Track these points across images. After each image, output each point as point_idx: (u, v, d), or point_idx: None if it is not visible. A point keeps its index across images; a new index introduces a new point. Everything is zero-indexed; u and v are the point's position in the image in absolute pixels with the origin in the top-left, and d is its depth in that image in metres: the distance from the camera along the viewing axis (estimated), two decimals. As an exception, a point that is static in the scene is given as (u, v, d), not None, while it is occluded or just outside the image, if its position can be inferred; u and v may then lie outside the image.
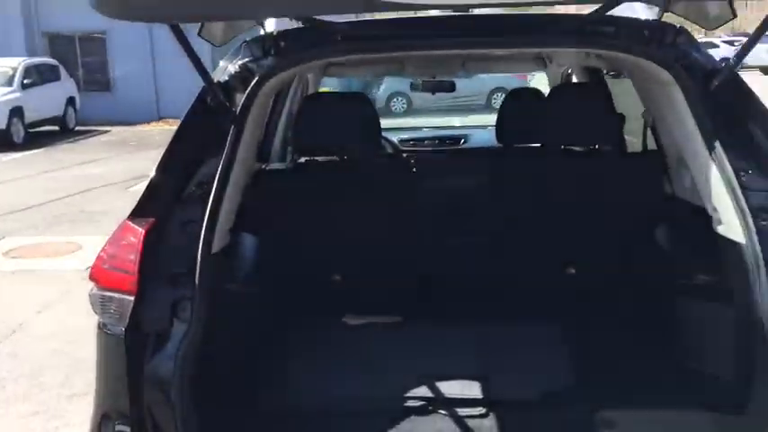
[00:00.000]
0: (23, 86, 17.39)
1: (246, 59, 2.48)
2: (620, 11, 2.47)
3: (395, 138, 5.47)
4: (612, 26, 2.38)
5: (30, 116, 17.32)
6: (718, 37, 50.73)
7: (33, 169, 13.23)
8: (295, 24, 2.58)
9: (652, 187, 3.10)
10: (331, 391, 2.50)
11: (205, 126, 2.38)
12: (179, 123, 2.40)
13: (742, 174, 2.18)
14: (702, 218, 2.46)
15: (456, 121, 7.21)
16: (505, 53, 3.66)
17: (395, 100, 20.16)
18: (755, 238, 2.06)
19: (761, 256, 2.04)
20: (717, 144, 2.23)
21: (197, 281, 2.10)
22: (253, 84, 2.39)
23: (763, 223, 2.09)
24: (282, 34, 2.48)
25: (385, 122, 5.99)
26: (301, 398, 2.45)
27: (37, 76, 18.22)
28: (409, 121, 6.98)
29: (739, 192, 2.14)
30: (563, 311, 3.12)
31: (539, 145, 3.46)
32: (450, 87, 5.25)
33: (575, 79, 4.67)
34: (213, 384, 2.24)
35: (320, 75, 4.77)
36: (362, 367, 2.64)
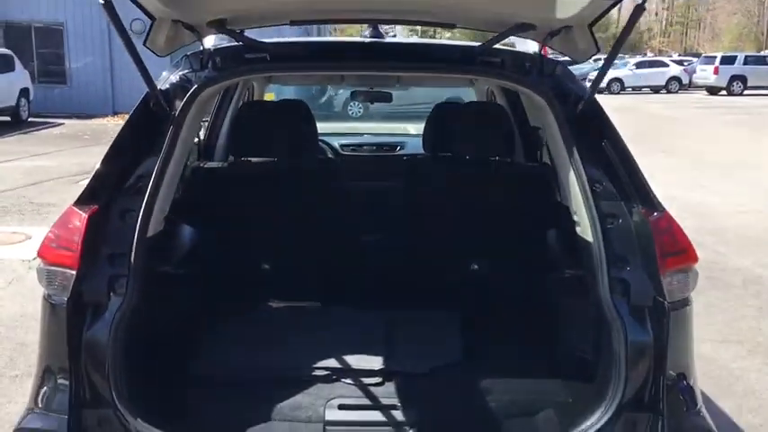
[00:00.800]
0: (-24, 76, 17.26)
1: (186, 71, 2.84)
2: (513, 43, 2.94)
3: (336, 142, 5.88)
4: (499, 57, 2.82)
5: (-18, 106, 17.20)
6: (669, 56, 52.64)
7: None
8: (230, 42, 2.96)
9: (543, 194, 3.56)
10: (248, 361, 2.88)
11: (147, 126, 2.72)
12: (125, 121, 2.75)
13: (596, 185, 2.63)
14: (572, 222, 2.93)
15: (401, 127, 7.63)
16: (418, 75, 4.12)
17: (351, 104, 20.64)
18: (601, 239, 2.52)
19: (604, 254, 2.50)
20: (578, 159, 2.67)
21: (132, 261, 2.46)
22: (190, 92, 2.75)
23: (609, 227, 2.54)
24: (218, 51, 2.85)
25: (334, 126, 6.44)
26: (222, 367, 2.82)
27: (-11, 66, 18.10)
28: (355, 126, 7.35)
29: (592, 200, 2.58)
30: (464, 301, 3.55)
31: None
32: (388, 98, 5.67)
33: (497, 96, 5.15)
34: (143, 350, 2.59)
35: (264, 83, 5.15)
36: (280, 343, 3.02)
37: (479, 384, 2.78)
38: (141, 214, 2.52)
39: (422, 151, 5.43)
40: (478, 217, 3.60)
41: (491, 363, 2.94)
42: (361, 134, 6.80)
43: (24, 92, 19.39)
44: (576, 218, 2.74)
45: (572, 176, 2.72)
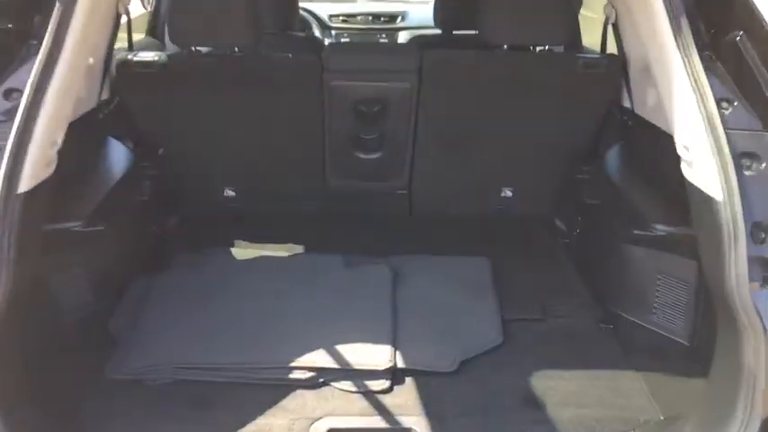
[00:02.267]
0: None
1: None
2: None
3: (324, 12, 4.76)
4: None
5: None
6: None
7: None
8: None
9: (607, 100, 2.60)
10: (192, 355, 2.01)
11: (16, 4, 1.73)
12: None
13: (725, 105, 1.68)
14: (667, 147, 1.99)
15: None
16: None
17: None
18: (737, 195, 1.59)
19: (740, 220, 1.57)
20: (695, 58, 1.71)
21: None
22: None
23: (748, 174, 1.61)
24: None
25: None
26: (152, 365, 1.96)
27: None
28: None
29: (720, 129, 1.64)
30: (495, 244, 2.69)
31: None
32: None
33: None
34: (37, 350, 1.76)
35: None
36: (243, 324, 2.15)
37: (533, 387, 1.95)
38: (9, 153, 1.58)
39: (426, 23, 4.34)
40: (520, 126, 2.65)
41: (542, 351, 2.11)
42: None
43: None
44: (686, 153, 1.79)
45: (679, 85, 1.75)
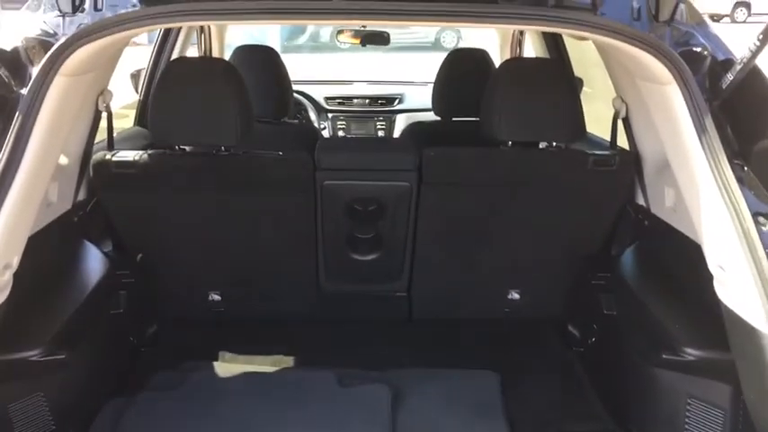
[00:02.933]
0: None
1: (49, 15, 1.68)
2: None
3: (320, 94, 4.66)
4: None
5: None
6: None
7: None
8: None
9: (620, 198, 2.42)
10: None
11: None
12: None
13: (762, 221, 1.50)
14: (691, 254, 1.81)
15: (406, 62, 6.26)
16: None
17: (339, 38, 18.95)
18: None
19: None
20: (724, 165, 1.54)
21: None
22: (51, 53, 1.58)
23: None
24: None
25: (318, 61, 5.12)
26: None
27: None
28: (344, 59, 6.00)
29: (761, 251, 1.45)
30: (503, 353, 2.47)
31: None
32: (385, 40, 4.44)
33: (527, 39, 3.92)
34: None
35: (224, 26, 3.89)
36: None
37: None
38: None
39: (428, 105, 4.25)
40: (521, 229, 2.47)
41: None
42: (350, 82, 5.54)
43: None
44: (720, 273, 1.60)
45: (709, 196, 1.58)
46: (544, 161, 2.39)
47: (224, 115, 2.22)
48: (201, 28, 3.75)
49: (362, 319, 2.67)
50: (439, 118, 3.20)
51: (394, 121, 4.62)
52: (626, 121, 2.36)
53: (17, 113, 1.57)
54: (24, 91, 1.60)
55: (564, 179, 2.39)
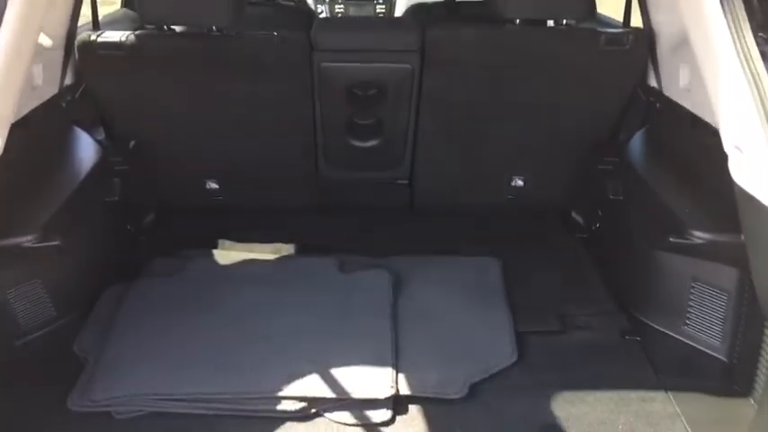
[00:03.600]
0: None
1: None
2: None
3: None
4: None
5: None
6: None
7: None
8: None
9: (632, 80, 2.31)
10: (158, 382, 1.77)
11: None
12: None
13: None
14: (705, 138, 1.74)
15: None
16: None
17: None
18: None
19: None
20: (748, 40, 1.44)
21: None
22: None
23: None
24: None
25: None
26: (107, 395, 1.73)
27: None
28: None
29: None
30: (506, 240, 2.44)
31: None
32: None
33: None
34: None
35: None
36: (218, 339, 1.91)
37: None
38: None
39: None
40: (527, 113, 2.37)
41: (562, 371, 1.87)
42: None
43: None
44: (736, 153, 1.53)
45: (729, 69, 1.48)
46: (553, 40, 2.26)
47: None
48: None
49: (363, 206, 2.63)
50: None
51: (394, 3, 4.41)
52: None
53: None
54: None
55: (573, 59, 2.27)
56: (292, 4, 3.74)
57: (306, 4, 4.11)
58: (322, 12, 4.26)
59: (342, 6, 4.46)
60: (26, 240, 1.76)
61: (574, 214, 2.56)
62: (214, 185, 2.53)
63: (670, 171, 2.08)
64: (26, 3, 1.52)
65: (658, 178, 2.07)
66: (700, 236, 1.79)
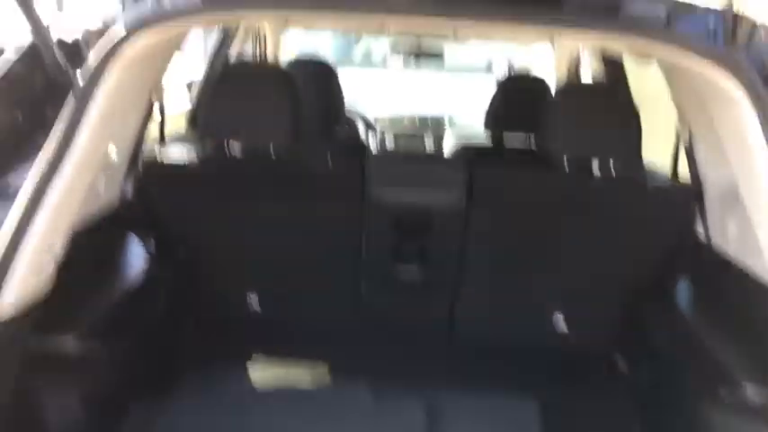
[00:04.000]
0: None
1: (111, 2, 1.68)
2: None
3: (369, 111, 4.66)
4: (661, 7, 1.56)
5: None
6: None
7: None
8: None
9: (678, 230, 2.31)
10: None
11: (29, 96, 1.58)
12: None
13: None
14: (760, 295, 1.70)
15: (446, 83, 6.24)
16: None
17: (394, 55, 18.93)
18: None
19: None
20: None
21: None
22: (109, 40, 1.58)
23: None
24: None
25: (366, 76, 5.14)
26: None
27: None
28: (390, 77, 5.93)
29: None
30: (545, 382, 2.37)
31: (532, 148, 2.71)
32: (439, 58, 4.43)
33: (585, 60, 3.84)
34: None
35: (280, 24, 3.90)
36: None
37: None
38: None
39: (475, 128, 4.19)
40: (572, 254, 2.37)
41: None
42: (399, 101, 5.51)
43: None
44: None
45: None
46: (600, 187, 2.30)
47: (277, 117, 2.20)
48: (257, 37, 3.77)
49: (402, 333, 2.60)
50: (490, 141, 3.15)
51: (443, 141, 4.59)
52: (688, 150, 2.27)
53: (72, 99, 1.56)
54: (80, 77, 1.59)
55: (620, 206, 2.30)
56: (345, 136, 3.92)
57: (357, 131, 4.31)
58: (372, 145, 4.45)
59: (392, 144, 4.66)
60: (67, 345, 1.78)
61: (618, 359, 2.49)
62: (255, 299, 2.55)
63: (719, 323, 2.03)
64: (104, 116, 1.63)
65: (707, 330, 2.01)
66: (752, 392, 1.71)
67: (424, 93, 6.10)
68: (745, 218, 1.77)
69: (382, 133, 4.59)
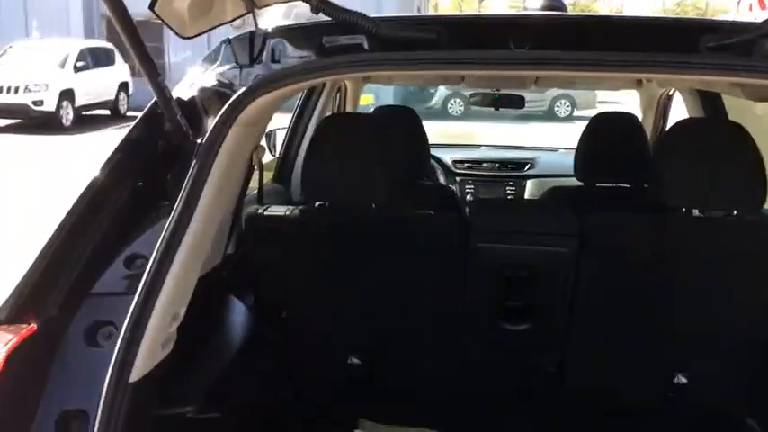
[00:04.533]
0: (76, 69, 17.15)
1: (226, 66, 1.69)
2: None
3: (448, 157, 4.63)
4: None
5: (80, 99, 17.08)
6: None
7: (82, 151, 12.69)
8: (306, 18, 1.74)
9: None
10: None
11: (149, 163, 1.58)
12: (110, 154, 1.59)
13: None
14: None
15: (517, 133, 6.22)
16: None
17: (452, 102, 19.17)
18: None
19: None
20: None
21: (98, 423, 1.28)
22: (229, 103, 1.57)
23: None
24: (281, 33, 1.66)
25: (439, 125, 5.14)
26: None
27: (91, 60, 17.95)
28: (458, 127, 5.95)
29: None
30: None
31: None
32: (519, 103, 4.37)
33: (677, 101, 3.72)
34: None
35: (361, 80, 3.93)
36: None
37: None
38: (125, 332, 1.34)
39: (559, 170, 4.10)
40: (693, 307, 2.23)
41: None
42: (477, 146, 5.49)
43: (124, 86, 19.16)
44: None
45: None
46: (722, 232, 2.17)
47: (377, 172, 2.17)
48: (339, 88, 3.80)
49: (509, 392, 2.48)
50: (580, 183, 3.05)
51: (524, 186, 4.50)
52: None
53: (194, 162, 1.56)
54: (200, 140, 1.60)
55: (743, 252, 2.15)
56: (431, 184, 3.88)
57: (445, 187, 4.26)
58: (455, 187, 4.38)
59: (472, 187, 4.59)
60: (188, 411, 1.75)
61: (749, 422, 2.30)
62: (356, 360, 2.49)
63: None
64: (223, 177, 1.63)
65: None
66: None
67: (495, 138, 6.06)
68: None
69: (462, 182, 4.54)
